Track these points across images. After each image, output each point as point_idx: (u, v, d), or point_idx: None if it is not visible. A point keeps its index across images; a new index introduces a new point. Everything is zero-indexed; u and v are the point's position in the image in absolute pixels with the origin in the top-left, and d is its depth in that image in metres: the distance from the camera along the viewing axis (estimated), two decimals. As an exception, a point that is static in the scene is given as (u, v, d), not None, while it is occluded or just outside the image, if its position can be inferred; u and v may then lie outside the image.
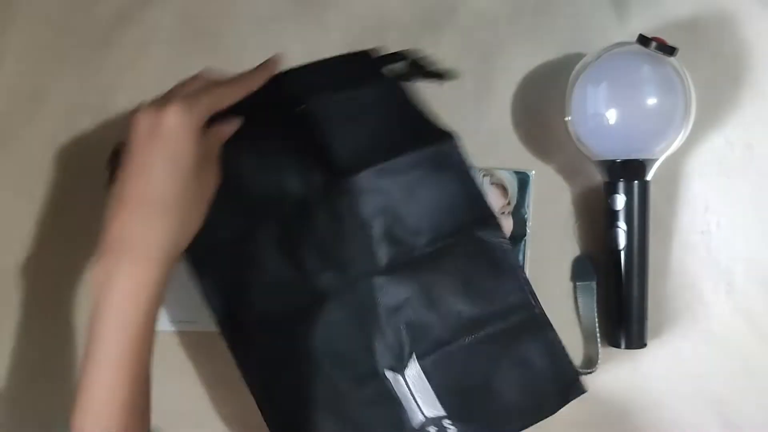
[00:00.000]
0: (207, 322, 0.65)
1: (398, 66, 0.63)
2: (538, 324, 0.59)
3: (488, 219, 0.59)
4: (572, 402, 0.59)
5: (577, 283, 0.67)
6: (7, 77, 0.70)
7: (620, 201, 0.63)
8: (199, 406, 0.66)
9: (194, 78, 0.53)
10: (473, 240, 0.59)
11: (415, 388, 0.57)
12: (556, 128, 0.68)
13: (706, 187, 0.68)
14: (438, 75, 0.64)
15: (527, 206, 0.67)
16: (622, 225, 0.63)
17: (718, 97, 0.69)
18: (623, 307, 0.64)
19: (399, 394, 0.57)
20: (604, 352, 0.66)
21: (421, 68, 0.63)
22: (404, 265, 0.58)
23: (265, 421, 0.58)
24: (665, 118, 0.63)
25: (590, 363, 0.66)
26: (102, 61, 0.70)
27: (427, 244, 0.58)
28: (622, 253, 0.63)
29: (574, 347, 0.66)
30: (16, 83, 0.70)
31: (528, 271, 0.67)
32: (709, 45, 0.70)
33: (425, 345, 0.58)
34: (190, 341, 0.66)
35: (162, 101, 0.48)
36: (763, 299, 0.67)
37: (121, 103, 0.69)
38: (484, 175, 0.67)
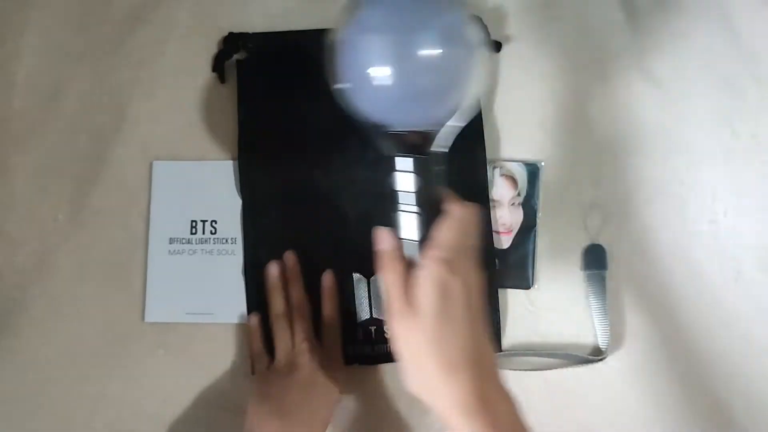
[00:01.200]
0: (224, 315, 0.67)
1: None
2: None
3: None
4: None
5: (587, 272, 0.68)
6: (24, 76, 0.72)
7: (412, 180, 0.51)
8: (215, 396, 0.67)
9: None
10: None
11: (374, 295, 0.65)
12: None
13: (712, 177, 0.69)
14: (495, 44, 0.68)
15: (537, 197, 0.68)
16: (407, 207, 0.52)
17: (724, 88, 0.70)
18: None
19: (356, 293, 0.65)
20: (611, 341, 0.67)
21: (488, 34, 0.66)
22: None
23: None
24: (450, 78, 0.49)
25: (599, 351, 0.66)
26: (117, 59, 0.72)
27: None
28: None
29: (585, 336, 0.67)
30: (33, 82, 0.71)
31: (538, 261, 0.68)
32: (711, 35, 0.71)
33: None
34: (208, 333, 0.67)
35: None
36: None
37: (137, 100, 0.71)
38: (494, 167, 0.68)
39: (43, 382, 0.67)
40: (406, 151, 0.51)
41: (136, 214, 0.69)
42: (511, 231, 0.68)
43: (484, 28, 0.69)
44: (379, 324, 0.66)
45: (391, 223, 0.53)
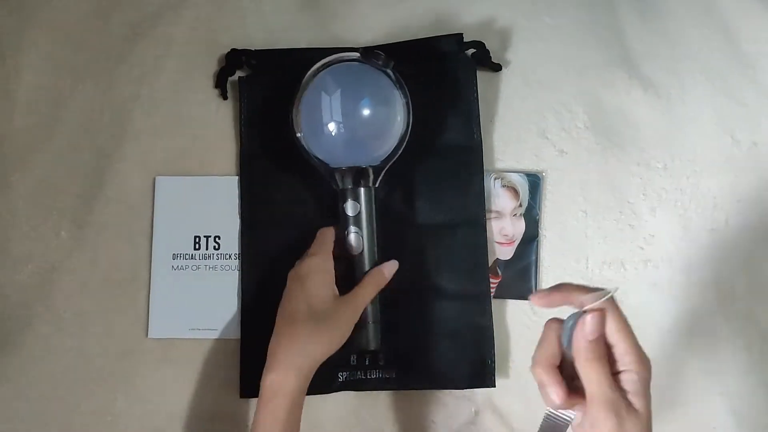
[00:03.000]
0: (225, 330, 0.67)
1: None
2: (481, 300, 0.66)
3: None
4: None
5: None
6: (25, 94, 0.72)
7: (353, 207, 0.63)
8: (220, 411, 0.67)
9: (316, 237, 0.64)
10: None
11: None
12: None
13: (713, 185, 0.69)
14: (494, 65, 0.70)
15: (539, 208, 0.68)
16: (354, 229, 0.63)
17: (724, 95, 0.70)
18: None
19: None
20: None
21: (489, 58, 0.70)
22: None
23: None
24: (383, 127, 0.64)
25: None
26: (117, 75, 0.72)
27: None
28: (362, 257, 0.63)
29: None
30: (34, 99, 0.72)
31: (541, 272, 0.68)
32: (710, 41, 0.71)
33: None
34: (212, 349, 0.67)
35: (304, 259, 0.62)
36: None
37: (138, 116, 0.71)
38: (495, 178, 0.68)
39: (48, 400, 0.67)
40: (352, 185, 0.63)
41: (139, 230, 0.69)
42: (513, 242, 0.68)
43: (486, 52, 0.70)
44: (373, 351, 0.64)
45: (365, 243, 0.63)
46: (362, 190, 0.64)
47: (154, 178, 0.70)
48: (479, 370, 0.66)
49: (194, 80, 0.72)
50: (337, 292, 0.60)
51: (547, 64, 0.71)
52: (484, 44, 0.70)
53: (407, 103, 0.65)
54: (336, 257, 0.62)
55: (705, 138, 0.70)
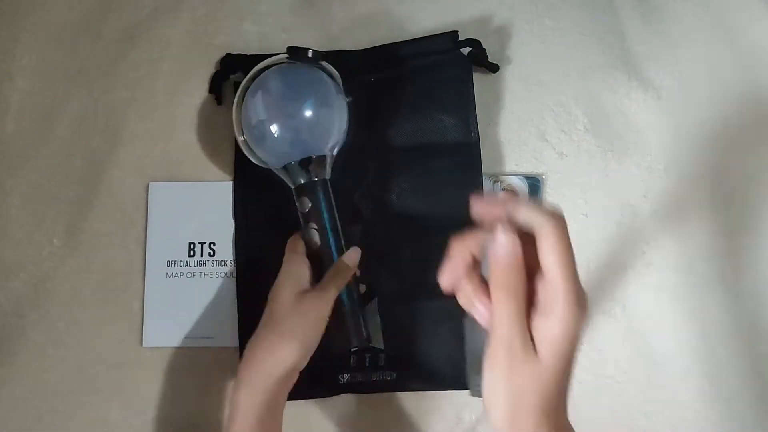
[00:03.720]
0: (222, 338, 0.66)
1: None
2: None
3: None
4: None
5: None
6: (18, 99, 0.71)
7: (302, 203, 0.62)
8: (211, 419, 0.65)
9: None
10: None
11: (370, 321, 0.63)
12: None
13: (715, 187, 0.68)
14: (491, 65, 0.69)
15: None
16: (311, 225, 0.61)
17: (725, 97, 0.70)
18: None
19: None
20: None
21: (486, 57, 0.69)
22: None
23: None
24: (325, 119, 0.62)
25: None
26: (111, 80, 0.71)
27: None
28: (323, 251, 0.61)
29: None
30: (26, 104, 0.71)
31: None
32: (711, 43, 0.71)
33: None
34: (208, 357, 0.66)
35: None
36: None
37: (132, 121, 0.70)
38: (494, 181, 0.68)
39: (42, 411, 0.66)
40: (298, 181, 0.62)
41: (133, 236, 0.68)
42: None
43: (483, 51, 0.69)
44: (373, 351, 0.65)
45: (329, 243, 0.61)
46: (309, 184, 0.61)
47: (148, 184, 0.69)
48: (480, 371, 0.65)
49: (189, 84, 0.71)
50: (298, 290, 0.57)
51: (546, 65, 0.71)
52: (479, 42, 0.69)
53: (344, 98, 0.63)
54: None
55: (707, 140, 0.69)
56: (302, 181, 0.62)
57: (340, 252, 0.61)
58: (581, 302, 0.40)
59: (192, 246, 0.68)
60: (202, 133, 0.70)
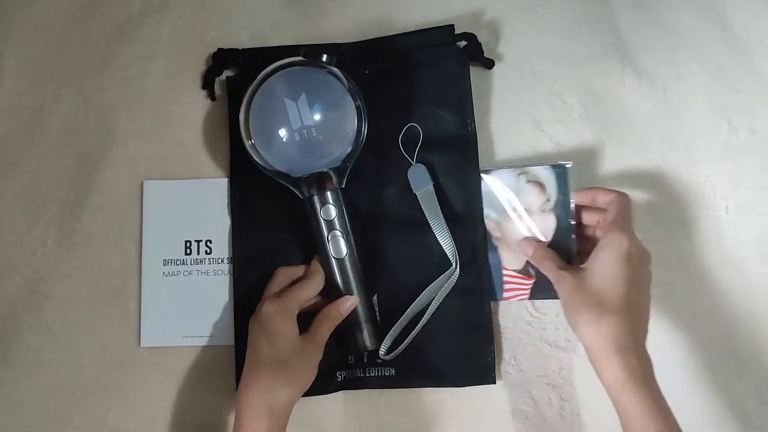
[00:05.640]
0: (219, 336, 0.66)
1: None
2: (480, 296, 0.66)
3: None
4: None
5: (418, 193, 0.66)
6: (6, 98, 0.70)
7: (333, 210, 0.62)
8: (211, 418, 0.65)
9: (274, 277, 0.64)
10: None
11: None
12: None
13: (712, 173, 0.68)
14: (487, 61, 0.69)
15: (569, 198, 0.65)
16: (337, 233, 0.63)
17: (719, 82, 0.70)
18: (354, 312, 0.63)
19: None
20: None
21: (481, 51, 0.69)
22: None
23: None
24: (336, 129, 0.62)
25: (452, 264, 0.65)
26: (102, 79, 0.70)
27: None
28: (346, 260, 0.63)
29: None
30: (17, 105, 0.70)
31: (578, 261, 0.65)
32: (704, 29, 0.71)
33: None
34: (207, 356, 0.66)
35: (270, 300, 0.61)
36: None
37: (124, 120, 0.69)
38: (519, 174, 0.66)
39: (40, 414, 0.65)
40: (318, 190, 0.62)
41: (128, 236, 0.68)
42: (545, 239, 0.65)
43: (478, 46, 0.68)
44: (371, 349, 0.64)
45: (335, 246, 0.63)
46: (330, 193, 0.63)
47: (142, 183, 0.68)
48: (479, 367, 0.64)
49: (181, 81, 0.70)
50: (298, 332, 0.60)
51: (540, 55, 0.70)
52: (475, 36, 0.69)
53: (359, 103, 0.63)
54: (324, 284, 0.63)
55: (702, 126, 0.69)
56: (319, 191, 0.62)
57: (356, 262, 0.63)
58: (622, 231, 0.58)
59: (188, 244, 0.67)
60: (196, 130, 0.69)
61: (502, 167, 0.67)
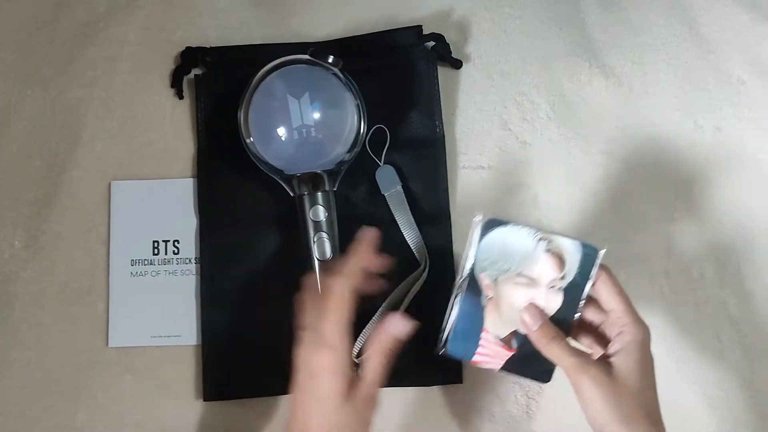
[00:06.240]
0: (188, 336, 0.66)
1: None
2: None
3: None
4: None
5: (386, 194, 0.66)
6: (-28, 100, 0.70)
7: (322, 212, 0.62)
8: (178, 418, 0.65)
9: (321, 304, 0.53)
10: None
11: None
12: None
13: (676, 172, 0.69)
14: (455, 62, 0.69)
15: (584, 287, 0.55)
16: (324, 235, 0.62)
17: (685, 81, 0.70)
18: None
19: None
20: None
21: (449, 52, 0.69)
22: None
23: None
24: (337, 130, 0.63)
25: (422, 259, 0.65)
26: (68, 79, 0.70)
27: None
28: (330, 263, 0.61)
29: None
30: (-18, 106, 0.70)
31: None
32: (671, 28, 0.71)
33: None
34: (175, 356, 0.66)
35: (312, 337, 0.53)
36: (738, 280, 0.67)
37: (91, 120, 0.69)
38: (540, 239, 0.55)
39: (6, 416, 0.65)
40: (310, 190, 0.62)
41: (96, 237, 0.67)
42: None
43: (446, 46, 0.68)
44: None
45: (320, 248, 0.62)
46: (321, 194, 0.62)
47: (110, 183, 0.68)
48: (446, 366, 0.64)
49: (148, 81, 0.70)
50: (346, 389, 0.51)
51: (509, 55, 0.70)
52: (443, 37, 0.69)
53: (359, 104, 0.64)
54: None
55: (668, 125, 0.69)
56: (311, 191, 0.62)
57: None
58: (641, 320, 0.53)
59: (156, 244, 0.67)
60: (163, 131, 0.69)
61: (520, 224, 0.55)
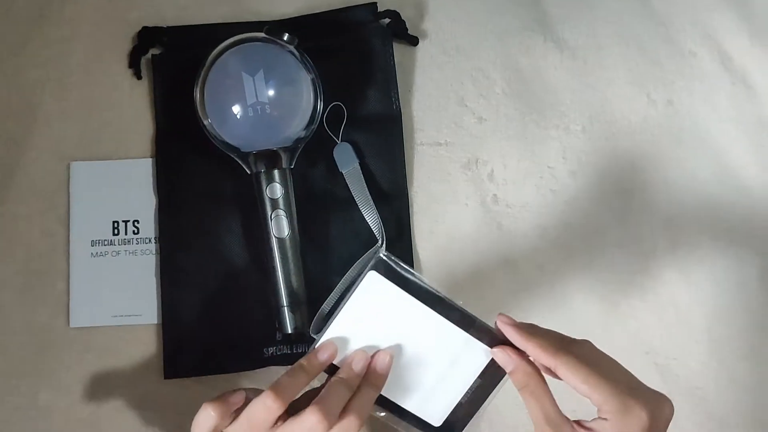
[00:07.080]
0: (148, 315, 0.66)
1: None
2: None
3: None
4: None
5: (344, 172, 0.67)
6: (-74, 83, 0.69)
7: (279, 189, 0.63)
8: (147, 396, 0.66)
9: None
10: None
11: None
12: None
13: (632, 146, 0.70)
14: (411, 38, 0.69)
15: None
16: (281, 212, 0.63)
17: (638, 54, 0.71)
18: (293, 292, 0.63)
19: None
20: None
21: (405, 29, 0.69)
22: None
23: None
24: (292, 107, 0.63)
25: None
26: (24, 60, 0.69)
27: None
28: (287, 241, 0.63)
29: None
30: (-64, 88, 0.69)
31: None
32: (624, 1, 0.72)
33: None
34: (136, 335, 0.66)
35: None
36: (700, 251, 0.69)
37: (48, 101, 0.69)
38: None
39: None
40: (266, 168, 0.63)
41: (55, 218, 0.67)
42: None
43: (402, 23, 0.69)
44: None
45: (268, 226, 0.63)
46: (278, 172, 0.63)
47: (69, 164, 0.68)
48: None
49: (105, 61, 0.70)
50: None
51: (464, 30, 0.71)
52: (399, 14, 0.69)
53: (315, 80, 0.64)
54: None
55: (622, 99, 0.70)
56: (267, 168, 0.62)
57: (297, 242, 0.63)
58: (630, 406, 0.44)
59: (116, 224, 0.68)
60: (121, 111, 0.69)
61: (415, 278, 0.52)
